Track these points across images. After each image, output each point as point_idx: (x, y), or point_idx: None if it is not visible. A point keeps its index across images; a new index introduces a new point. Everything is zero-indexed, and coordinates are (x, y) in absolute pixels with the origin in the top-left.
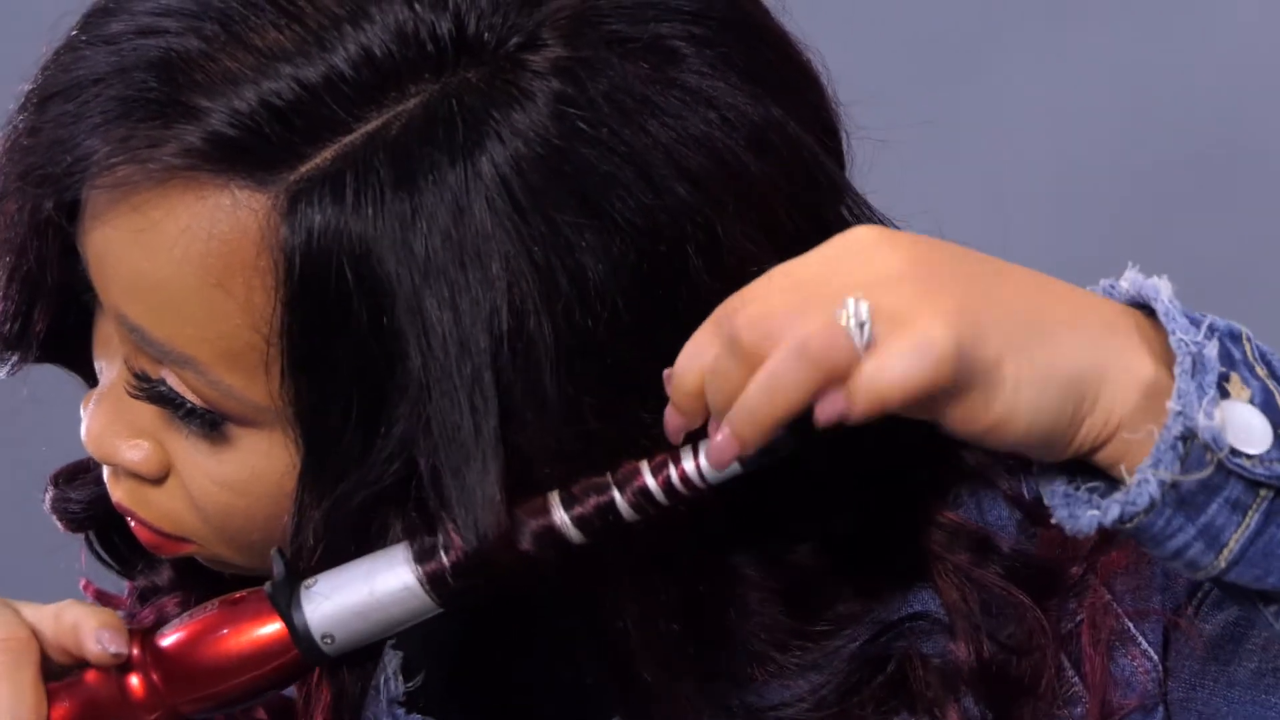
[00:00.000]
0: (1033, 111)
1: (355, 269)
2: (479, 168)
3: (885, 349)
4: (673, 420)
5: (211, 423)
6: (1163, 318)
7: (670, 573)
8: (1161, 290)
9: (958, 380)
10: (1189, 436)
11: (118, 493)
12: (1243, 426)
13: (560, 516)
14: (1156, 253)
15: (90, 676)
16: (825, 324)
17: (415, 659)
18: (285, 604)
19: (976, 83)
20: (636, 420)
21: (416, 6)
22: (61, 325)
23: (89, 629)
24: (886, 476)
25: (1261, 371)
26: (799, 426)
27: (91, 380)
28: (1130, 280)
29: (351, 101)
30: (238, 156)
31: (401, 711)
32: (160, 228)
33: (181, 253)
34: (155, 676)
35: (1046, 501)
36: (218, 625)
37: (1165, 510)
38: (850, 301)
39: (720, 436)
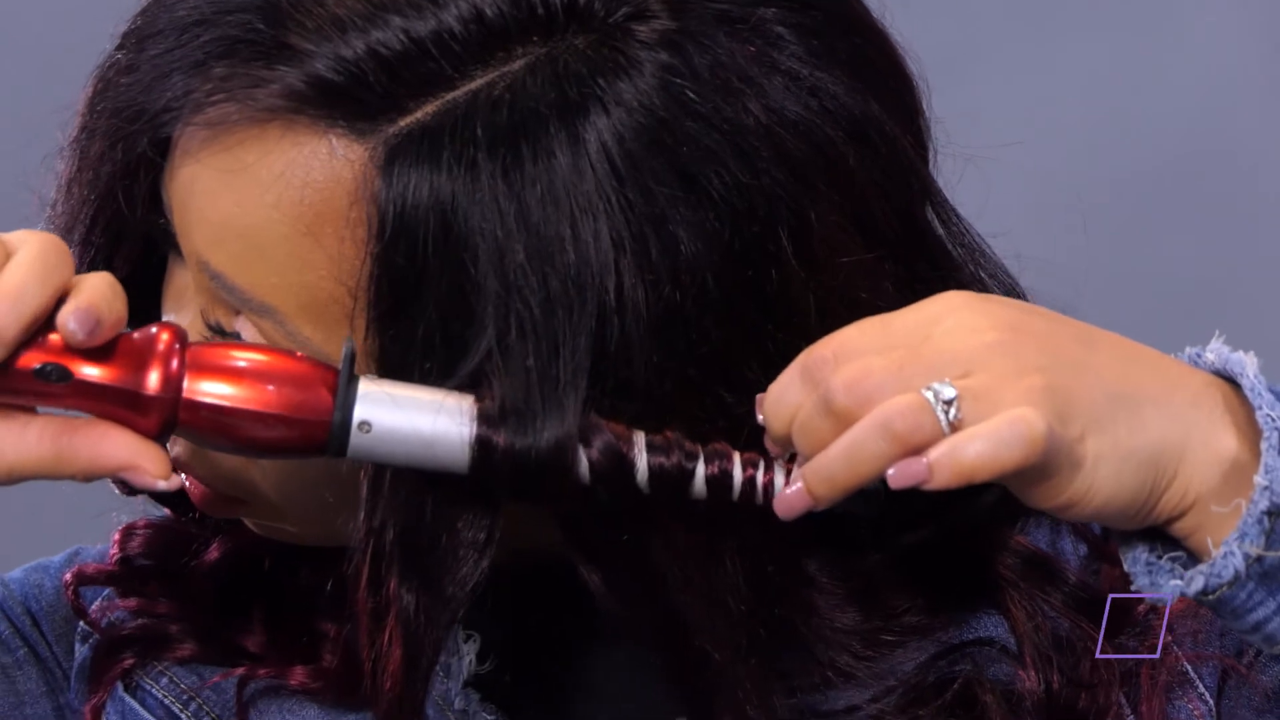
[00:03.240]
0: (1009, 120)
1: (446, 225)
2: (580, 134)
3: (972, 429)
4: (771, 446)
5: None
6: (1249, 393)
7: (739, 554)
8: (1248, 365)
9: (1042, 463)
10: (1275, 512)
11: (177, 447)
12: None
13: (639, 451)
14: (1133, 260)
15: (113, 344)
16: (911, 402)
17: (484, 650)
18: (347, 371)
19: (952, 93)
20: (717, 398)
21: None
22: (139, 277)
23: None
24: (960, 494)
25: None
26: (874, 497)
27: None
28: (1216, 353)
29: (458, 58)
30: (339, 103)
31: (476, 697)
32: (254, 171)
33: (274, 198)
34: (175, 367)
35: (1127, 568)
36: (267, 358)
37: (1249, 584)
38: (936, 384)
39: (792, 489)
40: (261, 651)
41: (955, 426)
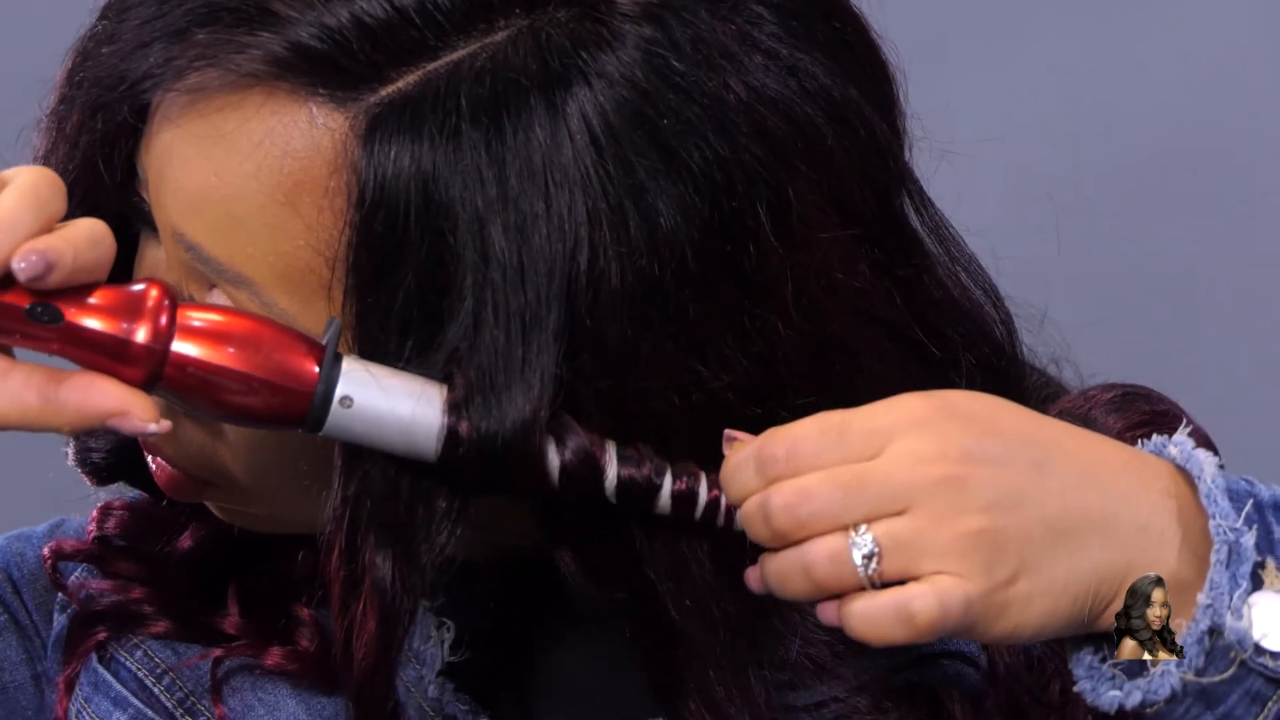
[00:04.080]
0: (983, 115)
1: (427, 195)
2: (561, 106)
3: (871, 600)
4: None
5: None
6: (1204, 499)
7: (713, 544)
8: (1206, 468)
9: (955, 629)
10: (1217, 630)
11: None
12: (1272, 621)
13: (609, 460)
14: (1110, 257)
15: (105, 296)
16: (834, 551)
17: (459, 641)
18: (333, 346)
19: (926, 86)
20: (692, 373)
21: None
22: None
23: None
24: None
25: None
26: None
27: None
28: (1180, 447)
29: (441, 28)
30: (321, 71)
31: (450, 686)
32: (233, 139)
33: (253, 167)
34: (165, 322)
35: (1071, 667)
36: (256, 324)
37: (1186, 699)
38: (863, 531)
39: (751, 571)
40: (237, 633)
41: (873, 579)
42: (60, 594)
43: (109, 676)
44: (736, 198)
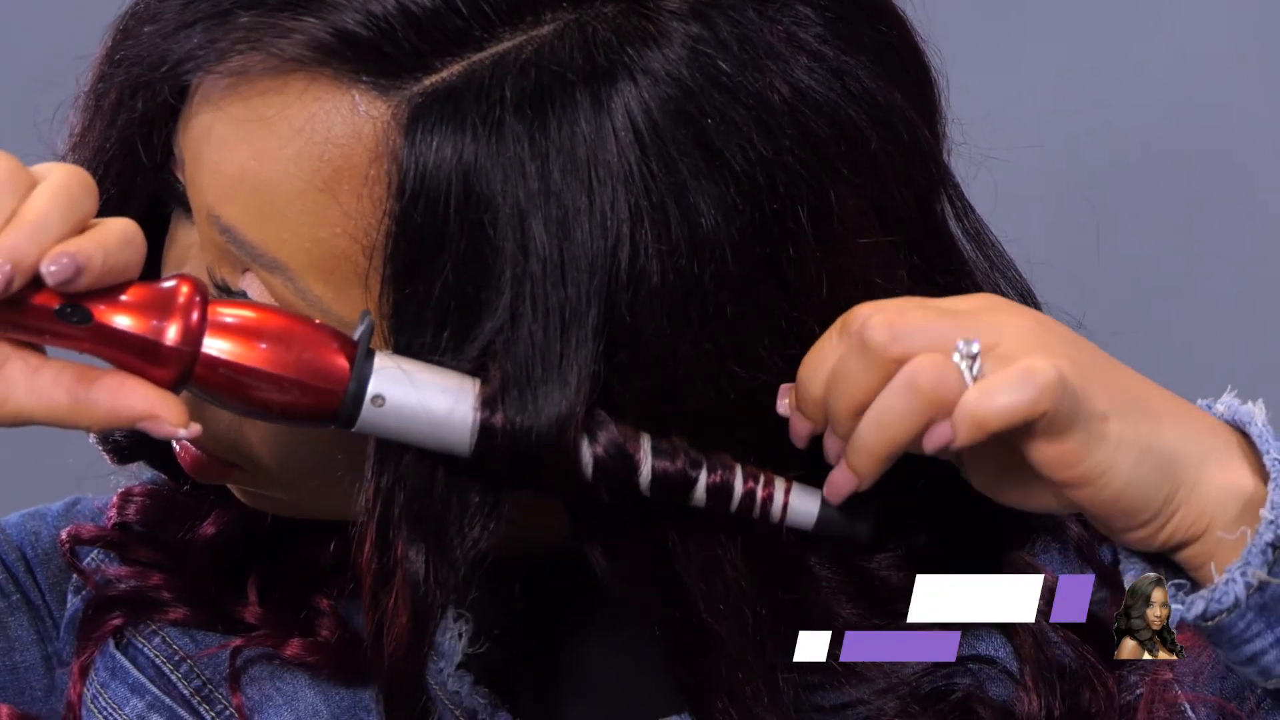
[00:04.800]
0: (970, 115)
1: (468, 186)
2: (607, 102)
3: (990, 378)
4: (798, 425)
5: None
6: (1257, 440)
7: (743, 541)
8: (1256, 415)
9: (1059, 413)
10: (1279, 545)
11: None
12: None
13: (644, 453)
14: (1094, 256)
15: (136, 294)
16: (935, 359)
17: (481, 633)
18: (365, 344)
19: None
20: (729, 373)
21: None
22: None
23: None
24: (971, 503)
25: None
26: (867, 517)
27: None
28: (1226, 405)
29: (487, 19)
30: (365, 58)
31: (469, 679)
32: (273, 123)
33: (293, 152)
34: (196, 320)
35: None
36: (286, 320)
37: (1248, 613)
38: (961, 342)
39: (837, 472)
40: (256, 622)
41: (977, 381)
42: (76, 576)
43: (126, 662)
44: (778, 199)
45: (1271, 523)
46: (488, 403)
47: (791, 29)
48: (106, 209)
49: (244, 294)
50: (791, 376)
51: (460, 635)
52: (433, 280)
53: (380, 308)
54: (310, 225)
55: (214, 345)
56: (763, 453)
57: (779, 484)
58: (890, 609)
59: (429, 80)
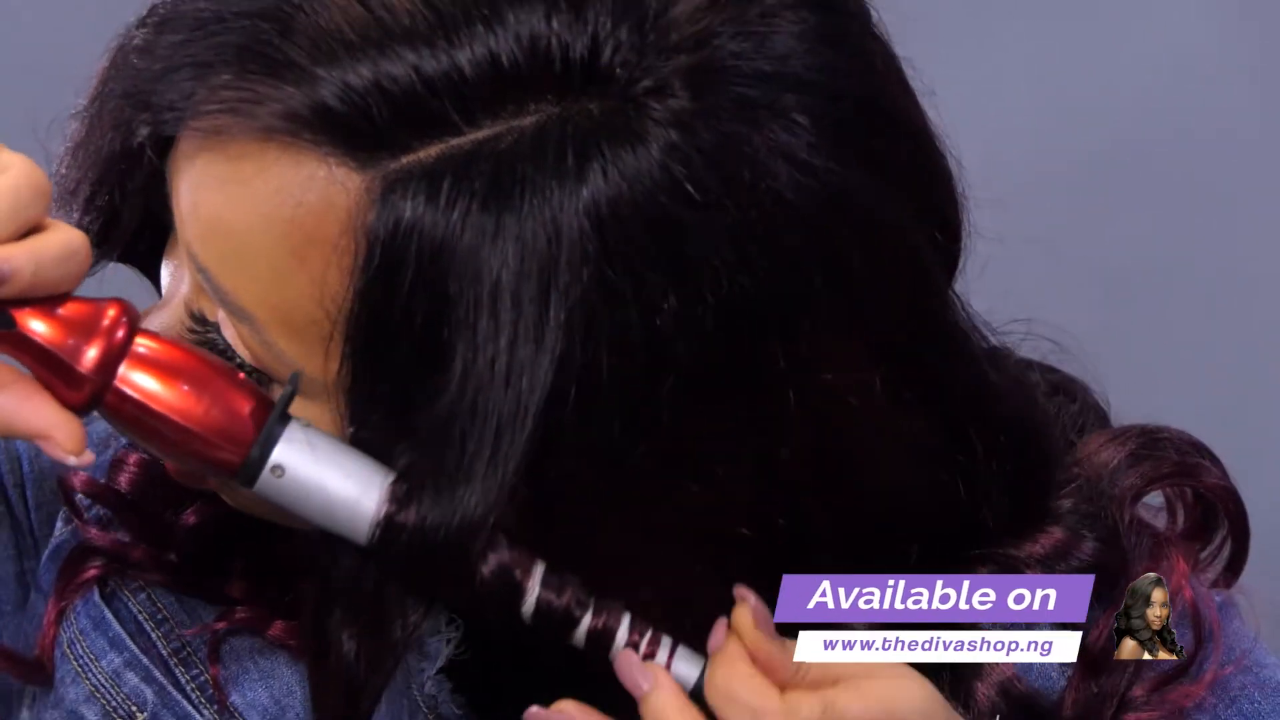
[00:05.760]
0: (946, 109)
1: (428, 273)
2: (578, 203)
3: None
4: None
5: (259, 382)
6: None
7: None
8: None
9: None
10: None
11: None
12: None
13: (533, 583)
14: (1074, 250)
15: (66, 309)
16: None
17: (467, 639)
18: (279, 412)
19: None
20: (681, 487)
21: (554, 21)
22: (145, 232)
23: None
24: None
25: None
26: None
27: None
28: None
29: (468, 107)
30: (341, 132)
31: (448, 685)
32: (250, 183)
33: (267, 211)
34: (114, 349)
35: None
36: (208, 372)
37: None
38: None
39: None
40: (241, 598)
41: None
42: (65, 508)
43: (110, 615)
44: (747, 319)
45: None
46: (396, 498)
47: (782, 138)
48: (105, 214)
49: (217, 326)
50: (749, 493)
51: (448, 641)
52: (388, 360)
53: (340, 379)
54: (278, 284)
55: (129, 378)
56: (675, 592)
57: (665, 644)
58: None
59: (405, 159)
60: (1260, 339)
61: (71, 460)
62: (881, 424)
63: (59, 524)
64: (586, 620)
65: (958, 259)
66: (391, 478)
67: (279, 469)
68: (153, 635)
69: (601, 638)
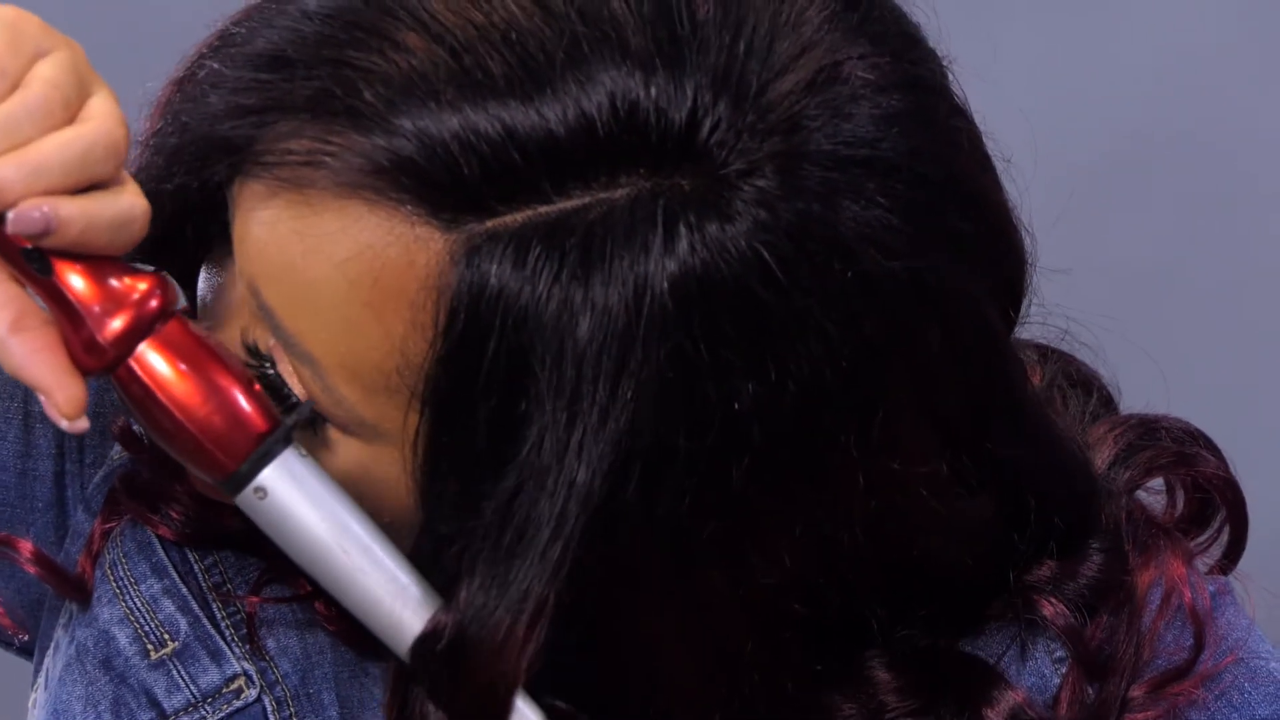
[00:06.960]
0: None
1: (511, 341)
2: (661, 279)
3: None
4: None
5: (312, 422)
6: None
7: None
8: None
9: None
10: None
11: None
12: None
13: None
14: (1076, 250)
15: (109, 272)
16: None
17: None
18: (280, 436)
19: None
20: (744, 564)
21: (652, 88)
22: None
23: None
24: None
25: None
26: None
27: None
28: None
29: (561, 177)
30: (427, 190)
31: None
32: (331, 237)
33: (345, 265)
34: (139, 325)
35: None
36: (226, 378)
37: None
38: None
39: None
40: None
41: None
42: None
43: (155, 539)
44: (823, 399)
45: None
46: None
47: (866, 222)
48: (174, 196)
49: (270, 358)
50: (809, 572)
51: None
52: (462, 425)
53: (414, 441)
54: (349, 335)
55: (145, 359)
56: (722, 667)
57: None
58: (879, 705)
59: (491, 222)
60: (1262, 334)
61: (64, 424)
62: (945, 508)
63: (116, 447)
64: None
65: (1014, 322)
66: (370, 537)
67: (261, 491)
68: (195, 567)
69: None
